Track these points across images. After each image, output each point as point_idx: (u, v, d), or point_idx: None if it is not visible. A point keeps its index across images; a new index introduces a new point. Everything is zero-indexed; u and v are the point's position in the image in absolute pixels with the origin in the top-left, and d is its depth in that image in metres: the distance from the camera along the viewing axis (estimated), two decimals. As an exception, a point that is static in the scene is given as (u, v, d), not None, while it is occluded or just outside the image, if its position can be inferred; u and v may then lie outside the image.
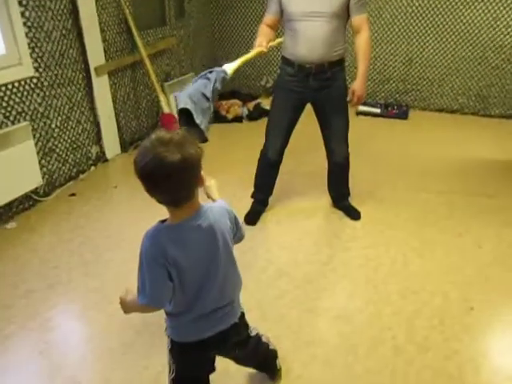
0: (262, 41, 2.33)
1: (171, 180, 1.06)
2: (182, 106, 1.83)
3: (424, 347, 1.88)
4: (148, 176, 1.07)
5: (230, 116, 4.45)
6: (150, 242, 1.15)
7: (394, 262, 2.41)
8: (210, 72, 1.95)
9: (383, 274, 2.32)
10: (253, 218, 2.76)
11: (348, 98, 2.52)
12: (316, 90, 2.46)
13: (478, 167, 3.48)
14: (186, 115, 1.84)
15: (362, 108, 4.59)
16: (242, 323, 1.43)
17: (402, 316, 2.04)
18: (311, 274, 2.32)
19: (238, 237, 1.36)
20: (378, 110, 4.59)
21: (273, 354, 1.70)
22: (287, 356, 1.83)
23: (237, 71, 2.12)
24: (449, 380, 1.73)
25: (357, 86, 2.44)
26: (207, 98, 1.88)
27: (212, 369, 1.41)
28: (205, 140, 1.80)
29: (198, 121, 1.82)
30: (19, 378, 1.76)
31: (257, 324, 1.96)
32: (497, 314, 2.08)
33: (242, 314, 1.42)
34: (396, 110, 4.60)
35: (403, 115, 4.54)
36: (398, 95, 4.78)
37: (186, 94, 1.87)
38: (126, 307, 1.26)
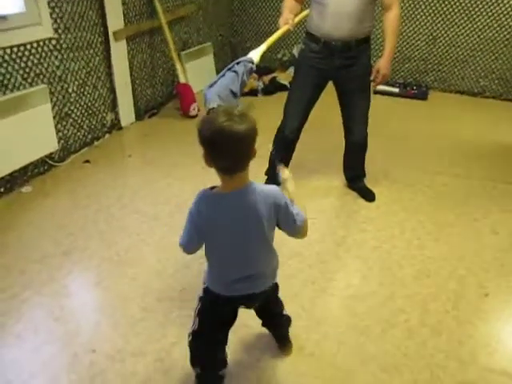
0: (288, 17, 2.25)
1: (235, 148, 1.18)
2: (211, 105, 1.77)
3: (437, 331, 1.88)
4: (214, 144, 1.18)
5: (245, 89, 4.37)
6: (195, 204, 1.30)
7: (409, 245, 2.40)
8: (238, 63, 1.88)
9: (398, 256, 2.31)
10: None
11: (372, 77, 2.46)
12: (340, 68, 2.40)
13: (497, 152, 3.42)
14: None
15: (379, 87, 4.44)
16: (273, 294, 1.59)
17: (416, 299, 2.04)
18: (324, 254, 2.32)
19: (289, 228, 1.38)
20: (396, 90, 4.51)
21: (286, 320, 1.76)
22: (300, 334, 1.84)
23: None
24: (461, 364, 1.74)
25: (382, 64, 2.38)
26: (235, 94, 1.83)
27: (234, 319, 1.51)
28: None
29: None
30: (34, 344, 1.78)
31: (272, 301, 1.99)
32: (511, 301, 2.08)
33: (274, 286, 1.55)
34: (415, 91, 4.51)
35: (422, 96, 4.45)
36: (417, 75, 4.68)
37: (214, 92, 1.81)
38: None
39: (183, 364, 1.65)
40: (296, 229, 1.39)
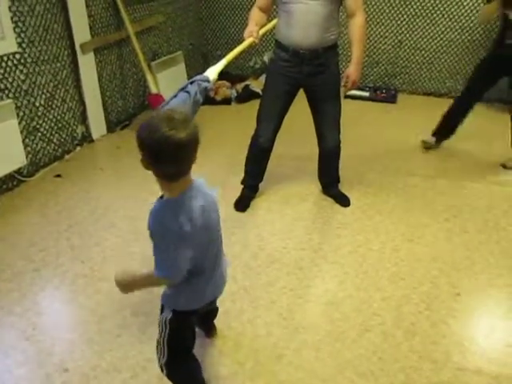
0: (253, 30, 2.25)
1: (177, 155, 1.16)
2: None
3: (411, 332, 1.91)
4: (158, 152, 1.16)
5: (218, 98, 4.38)
6: (158, 220, 1.23)
7: (384, 248, 2.43)
8: (192, 83, 1.85)
9: (373, 260, 2.34)
10: (243, 204, 2.74)
11: (342, 83, 2.49)
12: (309, 76, 2.42)
13: (465, 152, 3.51)
14: None
15: (350, 92, 4.54)
16: None
17: (391, 302, 2.07)
18: (302, 260, 2.33)
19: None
20: (366, 94, 4.58)
21: (217, 311, 1.81)
22: (278, 342, 1.84)
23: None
24: (435, 365, 1.77)
25: (351, 70, 2.41)
26: None
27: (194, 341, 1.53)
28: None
29: None
30: (5, 365, 1.73)
31: (247, 310, 1.99)
32: (482, 299, 2.13)
33: None
34: (385, 94, 4.59)
35: (392, 99, 4.54)
36: (386, 78, 4.77)
37: None
38: (127, 287, 1.36)
39: (159, 380, 1.64)
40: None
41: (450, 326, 1.95)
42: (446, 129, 3.45)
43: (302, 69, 2.39)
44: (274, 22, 2.42)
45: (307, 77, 2.42)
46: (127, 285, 1.35)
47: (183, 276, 1.29)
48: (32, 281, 2.14)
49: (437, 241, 2.50)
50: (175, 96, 1.82)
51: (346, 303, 2.07)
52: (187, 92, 1.82)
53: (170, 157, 1.16)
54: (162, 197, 1.29)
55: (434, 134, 3.49)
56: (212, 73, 1.95)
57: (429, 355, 1.81)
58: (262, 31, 2.33)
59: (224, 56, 2.11)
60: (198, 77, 1.88)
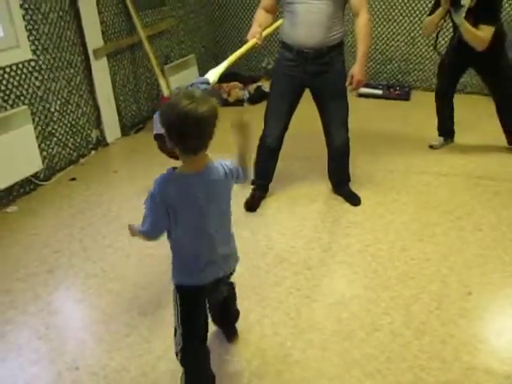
0: (256, 32, 2.28)
1: (200, 128, 1.24)
2: (156, 131, 1.79)
3: (421, 332, 1.89)
4: (180, 127, 1.23)
5: (231, 99, 4.41)
6: (159, 187, 1.32)
7: (393, 247, 2.41)
8: (191, 85, 1.92)
9: (382, 259, 2.32)
10: (253, 204, 2.76)
11: (347, 83, 2.48)
12: (314, 75, 2.42)
13: (479, 149, 3.44)
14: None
15: (363, 90, 4.53)
16: (232, 287, 1.73)
17: (400, 301, 2.05)
18: (311, 260, 2.33)
19: (240, 181, 1.51)
20: (379, 92, 4.54)
21: (237, 313, 1.85)
22: (285, 342, 1.85)
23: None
24: (444, 364, 1.74)
25: (356, 70, 2.40)
26: None
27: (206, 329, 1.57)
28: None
29: None
30: (19, 363, 1.78)
31: (255, 310, 2.00)
32: (494, 298, 2.09)
33: (233, 270, 1.59)
34: (398, 91, 4.55)
35: (405, 96, 4.49)
36: (400, 76, 4.72)
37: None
38: (133, 232, 1.47)
39: (168, 378, 1.66)
40: (244, 177, 1.52)
41: (461, 325, 1.92)
42: (444, 128, 3.46)
43: (306, 68, 2.39)
44: (278, 23, 2.44)
45: (312, 76, 2.42)
46: (132, 231, 1.47)
47: (153, 236, 1.40)
48: (45, 281, 2.19)
49: (448, 239, 2.46)
50: None
51: (355, 303, 2.06)
52: None
53: (192, 130, 1.23)
54: (174, 168, 1.36)
55: (440, 134, 3.48)
56: (212, 75, 1.99)
57: (438, 354, 1.79)
58: (265, 32, 2.35)
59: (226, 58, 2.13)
60: (197, 79, 1.93)
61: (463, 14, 2.78)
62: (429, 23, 3.09)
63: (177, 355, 1.53)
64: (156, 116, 1.87)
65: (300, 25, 2.29)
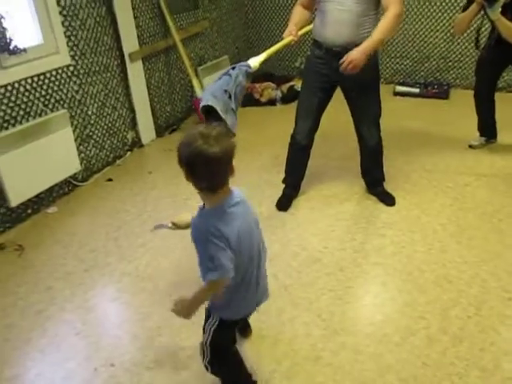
0: (292, 29, 2.30)
1: (209, 168, 1.24)
2: (204, 103, 1.85)
3: (458, 338, 1.82)
4: (190, 164, 1.25)
5: (263, 99, 4.41)
6: (199, 227, 1.31)
7: (430, 249, 2.34)
8: (233, 68, 1.99)
9: (418, 261, 2.26)
10: (284, 203, 2.75)
11: (340, 61, 2.27)
12: (343, 73, 2.38)
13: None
14: (210, 113, 1.87)
15: (399, 88, 4.45)
16: None
17: (437, 305, 1.99)
18: (343, 261, 2.29)
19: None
20: (416, 90, 4.43)
21: None
22: (317, 344, 1.83)
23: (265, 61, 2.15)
24: (483, 372, 1.68)
25: (354, 51, 2.21)
26: (229, 94, 1.90)
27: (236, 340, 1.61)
28: (232, 135, 1.81)
29: (223, 115, 1.85)
30: (56, 359, 1.84)
31: (286, 310, 1.99)
32: (538, 305, 1.99)
33: None
34: (436, 90, 4.41)
35: (443, 95, 4.35)
36: (438, 74, 4.58)
37: (208, 92, 1.92)
38: (189, 310, 1.40)
39: (201, 376, 1.67)
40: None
41: (501, 332, 1.84)
42: (486, 128, 3.31)
43: (335, 66, 2.36)
44: (309, 27, 2.48)
45: (341, 74, 2.38)
46: (187, 310, 1.40)
47: (231, 276, 1.30)
48: (82, 280, 2.26)
49: (488, 242, 2.37)
50: (219, 79, 1.96)
51: (389, 305, 2.02)
52: (229, 75, 1.96)
53: (203, 170, 1.24)
54: (203, 207, 1.35)
55: (481, 134, 3.35)
56: (253, 61, 2.09)
57: (476, 362, 1.72)
58: (301, 32, 2.37)
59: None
60: (240, 63, 2.04)
61: (499, 9, 2.66)
62: (461, 21, 2.98)
63: (206, 368, 1.55)
64: (206, 87, 1.99)
65: (329, 23, 2.28)
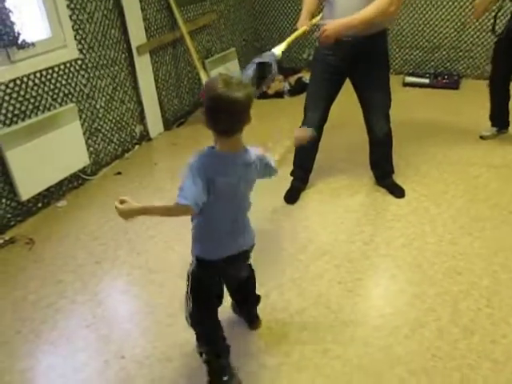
0: (304, 19, 2.34)
1: (231, 112, 1.30)
2: (260, 60, 2.07)
3: (469, 330, 1.81)
4: (213, 108, 1.31)
5: (270, 91, 4.39)
6: (199, 162, 1.37)
7: (440, 241, 2.32)
8: (260, 57, 2.14)
9: (428, 253, 2.24)
10: (292, 196, 2.74)
11: (316, 34, 2.28)
12: (352, 63, 2.36)
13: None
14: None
15: (409, 79, 4.40)
16: (252, 270, 1.77)
17: (447, 297, 1.98)
18: (352, 253, 2.28)
19: (269, 173, 1.58)
20: (426, 80, 4.38)
21: (257, 299, 1.86)
22: (326, 336, 1.82)
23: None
24: (495, 364, 1.66)
25: (331, 23, 2.20)
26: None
27: (221, 296, 1.66)
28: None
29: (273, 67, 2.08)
30: (68, 351, 1.86)
31: (295, 302, 1.99)
32: (551, 298, 1.97)
33: (253, 246, 1.60)
34: (446, 80, 4.36)
35: (454, 85, 4.30)
36: (448, 64, 4.52)
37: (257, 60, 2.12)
38: (132, 213, 1.43)
39: (208, 369, 1.68)
40: (273, 171, 1.58)
41: (512, 324, 1.82)
42: (498, 117, 3.25)
43: (343, 56, 2.34)
44: (318, 18, 2.46)
45: (350, 64, 2.36)
46: (131, 212, 1.43)
47: (198, 207, 1.35)
48: (93, 273, 2.27)
49: (499, 234, 2.34)
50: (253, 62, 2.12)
51: (398, 297, 2.01)
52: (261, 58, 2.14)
53: (223, 113, 1.30)
54: (213, 147, 1.41)
55: (493, 124, 3.30)
56: (277, 50, 2.21)
57: (488, 355, 1.71)
58: (313, 21, 2.39)
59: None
60: (266, 52, 2.19)
61: None
62: (480, 3, 2.94)
63: (187, 320, 1.62)
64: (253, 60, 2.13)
65: (337, 13, 2.25)
